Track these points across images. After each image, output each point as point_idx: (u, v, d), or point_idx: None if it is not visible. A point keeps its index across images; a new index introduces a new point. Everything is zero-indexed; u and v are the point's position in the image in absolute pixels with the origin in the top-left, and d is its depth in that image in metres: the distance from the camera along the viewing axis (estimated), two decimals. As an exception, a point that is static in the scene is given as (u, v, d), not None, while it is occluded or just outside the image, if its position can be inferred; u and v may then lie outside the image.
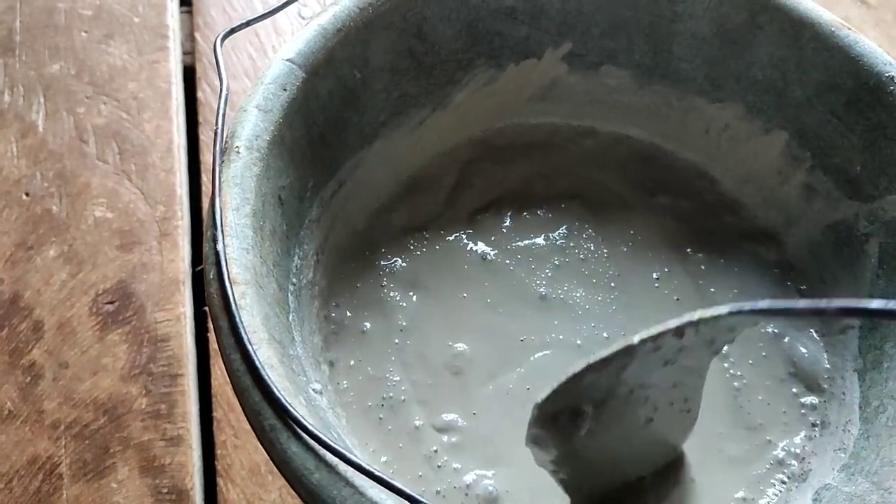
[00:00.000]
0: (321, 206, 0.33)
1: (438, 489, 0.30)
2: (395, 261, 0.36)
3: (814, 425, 0.33)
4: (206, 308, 0.42)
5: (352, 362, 0.33)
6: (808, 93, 0.34)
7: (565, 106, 0.39)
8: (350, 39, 0.32)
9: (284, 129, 0.30)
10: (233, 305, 0.25)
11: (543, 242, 0.37)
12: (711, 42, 0.35)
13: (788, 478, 0.32)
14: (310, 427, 0.23)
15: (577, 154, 0.40)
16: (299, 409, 0.24)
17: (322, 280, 0.34)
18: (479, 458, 0.31)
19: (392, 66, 0.34)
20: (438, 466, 0.31)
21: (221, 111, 0.28)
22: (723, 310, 0.23)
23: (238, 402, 0.39)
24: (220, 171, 0.28)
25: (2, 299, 0.41)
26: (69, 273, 0.42)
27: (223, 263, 0.26)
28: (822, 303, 0.21)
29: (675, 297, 0.36)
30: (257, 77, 0.48)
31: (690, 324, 0.24)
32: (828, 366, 0.34)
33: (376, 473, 0.23)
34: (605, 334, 0.35)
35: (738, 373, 0.34)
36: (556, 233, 0.38)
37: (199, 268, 0.44)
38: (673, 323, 0.24)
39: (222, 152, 0.28)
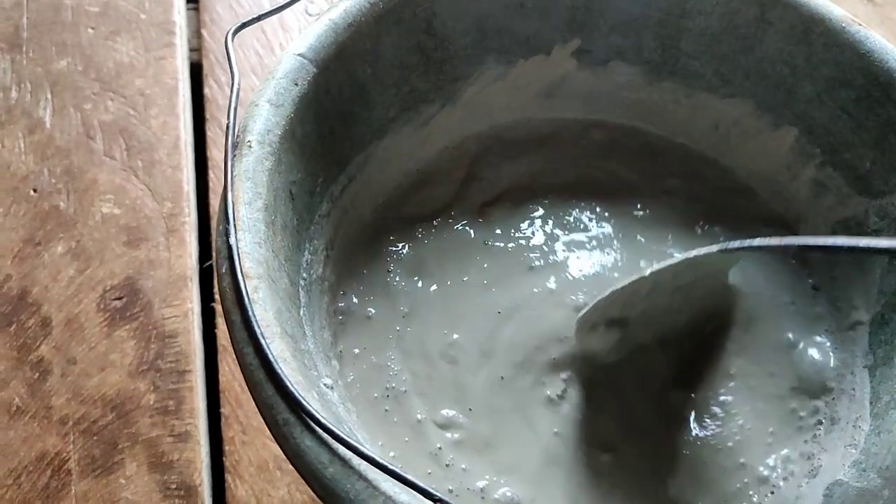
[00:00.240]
0: (331, 201, 0.33)
1: (451, 488, 0.30)
2: (403, 247, 0.36)
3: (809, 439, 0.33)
4: (214, 304, 0.42)
5: (356, 350, 0.33)
6: (818, 89, 0.34)
7: (574, 102, 0.39)
8: (360, 34, 0.32)
9: (296, 124, 0.30)
10: (245, 299, 0.25)
11: (551, 227, 0.37)
12: (721, 38, 0.35)
13: (799, 472, 0.32)
14: (323, 421, 0.23)
15: (586, 147, 0.40)
16: (312, 403, 0.24)
17: (332, 275, 0.34)
18: (487, 461, 0.31)
19: (402, 61, 0.34)
20: (447, 465, 0.31)
21: (233, 105, 0.28)
22: (713, 248, 0.29)
23: (248, 398, 0.39)
24: (232, 166, 0.27)
25: (10, 295, 0.41)
26: (77, 269, 0.42)
27: (236, 257, 0.26)
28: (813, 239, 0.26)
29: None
30: (264, 73, 0.49)
31: (689, 259, 0.29)
32: (832, 385, 0.34)
33: (390, 467, 0.23)
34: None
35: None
36: (565, 218, 0.38)
37: (207, 264, 0.44)
38: (672, 260, 0.30)
39: (234, 147, 0.28)
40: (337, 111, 0.32)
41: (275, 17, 0.47)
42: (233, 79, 0.29)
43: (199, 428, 0.39)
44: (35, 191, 0.44)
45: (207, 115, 0.48)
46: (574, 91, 0.38)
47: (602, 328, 0.33)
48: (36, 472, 0.37)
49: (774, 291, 0.36)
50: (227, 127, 0.28)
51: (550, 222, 0.37)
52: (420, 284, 0.35)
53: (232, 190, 0.27)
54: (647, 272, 0.30)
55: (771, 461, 0.32)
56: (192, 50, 0.50)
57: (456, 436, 0.32)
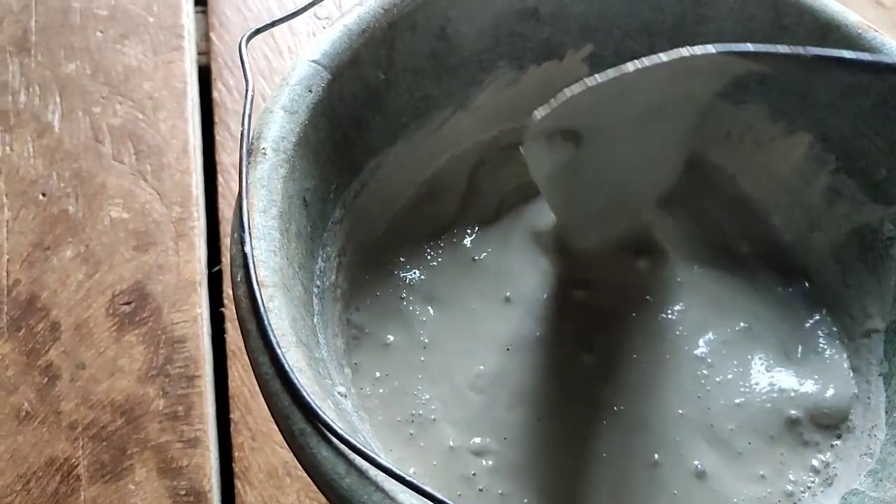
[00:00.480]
0: (344, 208, 0.33)
1: None
2: (413, 272, 0.36)
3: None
4: (223, 309, 0.42)
5: (377, 374, 0.33)
6: (833, 95, 0.34)
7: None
8: (374, 40, 0.32)
9: (310, 131, 0.30)
10: (261, 308, 0.25)
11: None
12: (735, 44, 0.35)
13: (813, 483, 0.31)
14: (340, 431, 0.23)
15: None
16: (328, 412, 0.24)
17: (344, 283, 0.34)
18: (526, 485, 0.31)
19: (415, 67, 0.34)
20: (480, 490, 0.31)
21: (247, 112, 0.28)
22: (710, 48, 0.27)
23: (257, 403, 0.39)
24: (247, 173, 0.27)
25: (19, 300, 0.41)
26: (86, 274, 0.42)
27: (251, 266, 0.25)
28: (801, 49, 0.26)
29: (681, 305, 0.36)
30: (273, 77, 0.49)
31: (682, 59, 0.27)
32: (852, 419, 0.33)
33: (407, 478, 0.23)
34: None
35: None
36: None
37: (216, 269, 0.43)
38: (665, 56, 0.27)
39: (248, 154, 0.28)
40: (351, 117, 0.32)
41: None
42: (247, 85, 0.29)
43: (208, 434, 0.38)
44: (44, 195, 0.44)
45: (216, 119, 0.47)
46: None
47: (557, 138, 0.30)
48: (45, 478, 0.37)
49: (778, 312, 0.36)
50: (242, 134, 0.28)
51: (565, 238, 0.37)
52: (433, 313, 0.35)
53: (247, 198, 0.27)
54: (629, 68, 0.28)
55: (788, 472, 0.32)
56: (200, 53, 0.50)
57: (491, 462, 0.31)
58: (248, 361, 0.40)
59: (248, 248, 0.26)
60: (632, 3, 0.36)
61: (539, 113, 0.29)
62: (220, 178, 0.46)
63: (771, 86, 0.36)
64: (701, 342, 0.34)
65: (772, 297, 0.36)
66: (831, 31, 0.33)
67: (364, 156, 0.34)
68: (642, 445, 0.32)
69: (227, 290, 0.43)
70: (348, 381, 0.32)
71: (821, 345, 0.35)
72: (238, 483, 0.38)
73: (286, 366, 0.24)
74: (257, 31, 0.30)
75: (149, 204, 0.44)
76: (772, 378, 0.34)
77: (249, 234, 0.26)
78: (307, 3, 0.32)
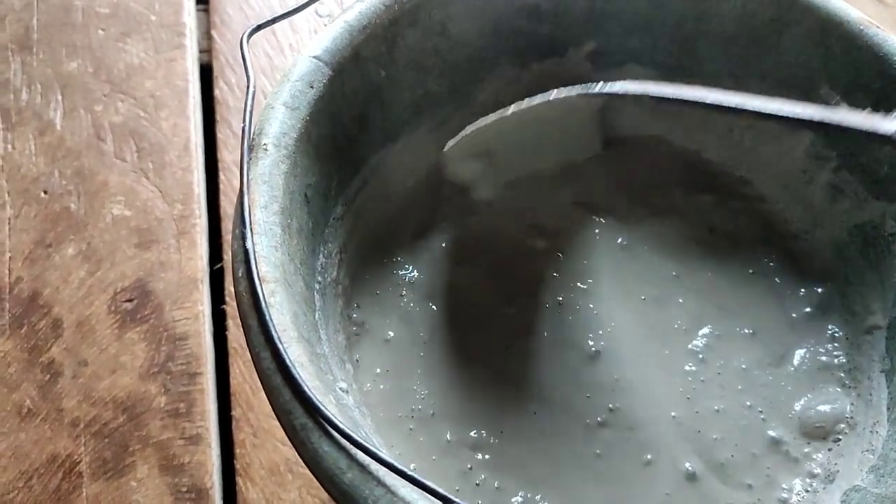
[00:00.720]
0: (345, 204, 0.33)
1: (480, 503, 0.30)
2: (413, 269, 0.36)
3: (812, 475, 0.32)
4: (225, 306, 0.42)
5: (377, 370, 0.33)
6: (835, 92, 0.34)
7: (588, 105, 0.38)
8: (376, 37, 0.32)
9: (311, 127, 0.30)
10: (263, 304, 0.25)
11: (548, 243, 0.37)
12: (737, 40, 0.35)
13: (815, 479, 0.31)
14: (341, 426, 0.23)
15: (596, 155, 0.39)
16: (330, 408, 0.24)
17: (345, 279, 0.34)
18: (522, 478, 0.31)
19: (416, 63, 0.34)
20: (476, 484, 0.31)
21: (249, 108, 0.28)
22: (572, 91, 0.31)
23: (259, 400, 0.39)
24: (248, 169, 0.27)
25: (21, 297, 0.41)
26: (87, 271, 0.42)
27: (252, 261, 0.25)
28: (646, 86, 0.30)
29: (679, 300, 0.36)
30: (275, 74, 0.49)
31: (547, 102, 0.32)
32: (849, 416, 0.33)
33: (409, 473, 0.23)
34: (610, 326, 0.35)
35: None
36: (569, 228, 0.37)
37: (217, 266, 0.43)
38: (534, 100, 0.32)
39: (250, 149, 0.28)
40: (352, 114, 0.32)
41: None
42: (248, 81, 0.28)
43: (210, 431, 0.39)
44: (46, 192, 0.44)
45: (218, 117, 0.47)
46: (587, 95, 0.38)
47: (469, 159, 0.34)
48: (47, 475, 0.37)
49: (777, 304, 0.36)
50: (243, 130, 0.28)
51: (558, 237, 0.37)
52: (433, 309, 0.35)
53: (248, 193, 0.27)
54: (510, 110, 0.32)
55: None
56: (201, 51, 0.50)
57: (487, 456, 0.31)
58: (249, 358, 0.40)
59: (249, 244, 0.26)
60: (634, 0, 0.36)
61: (448, 145, 0.34)
62: (221, 176, 0.46)
63: (772, 83, 0.35)
64: (697, 335, 0.34)
65: (772, 293, 0.36)
66: (833, 27, 0.33)
67: (365, 152, 0.34)
68: (636, 444, 0.32)
69: (229, 287, 0.43)
70: (349, 377, 0.32)
71: (820, 349, 0.35)
72: (240, 480, 0.38)
73: (288, 361, 0.24)
74: (259, 27, 0.30)
75: (150, 201, 0.44)
76: (757, 387, 0.33)
77: (251, 229, 0.26)
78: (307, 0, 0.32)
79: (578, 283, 0.35)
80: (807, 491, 0.31)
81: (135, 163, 0.45)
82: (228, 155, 0.46)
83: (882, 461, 0.30)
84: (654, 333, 0.34)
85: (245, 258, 0.26)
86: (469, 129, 0.33)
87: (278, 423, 0.38)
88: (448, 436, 0.32)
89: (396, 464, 0.23)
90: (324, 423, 0.24)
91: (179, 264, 0.43)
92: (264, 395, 0.39)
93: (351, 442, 0.23)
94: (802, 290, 0.36)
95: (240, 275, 0.26)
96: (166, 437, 0.38)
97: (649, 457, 0.32)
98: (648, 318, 0.35)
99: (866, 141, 0.27)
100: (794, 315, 0.35)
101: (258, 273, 0.25)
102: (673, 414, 0.33)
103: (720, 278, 0.36)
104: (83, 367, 0.40)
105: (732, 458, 0.32)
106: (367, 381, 0.33)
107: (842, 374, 0.34)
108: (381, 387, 0.33)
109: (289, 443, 0.37)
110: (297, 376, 0.24)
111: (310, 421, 0.24)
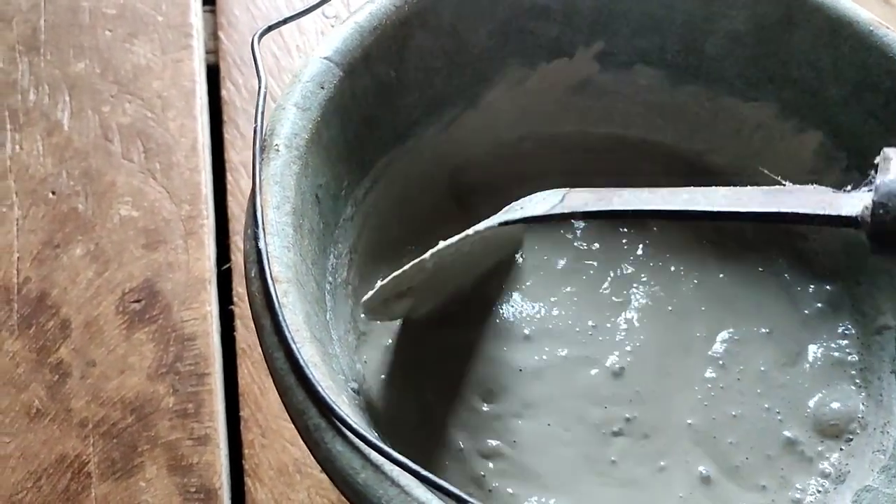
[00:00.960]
0: (355, 205, 0.33)
1: None
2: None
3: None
4: (233, 307, 0.42)
5: (382, 377, 0.33)
6: (844, 92, 0.34)
7: (596, 105, 0.39)
8: (386, 38, 0.32)
9: (322, 128, 0.30)
10: (276, 304, 0.25)
11: (565, 245, 0.37)
12: (746, 41, 0.35)
13: (826, 479, 0.31)
14: (355, 426, 0.23)
15: (602, 156, 0.39)
16: (343, 408, 0.24)
17: (355, 279, 0.34)
18: (535, 485, 0.31)
19: (425, 64, 0.34)
20: (489, 490, 0.31)
21: (260, 109, 0.28)
22: (494, 221, 0.30)
23: (267, 401, 0.39)
24: (260, 169, 0.27)
25: (29, 297, 0.41)
26: (95, 272, 0.42)
27: (265, 261, 0.25)
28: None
29: (702, 307, 0.36)
30: (282, 75, 0.49)
31: (467, 238, 0.30)
32: (861, 415, 0.33)
33: (423, 473, 0.23)
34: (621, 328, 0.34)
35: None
36: (578, 232, 0.37)
37: (225, 266, 0.44)
38: (451, 240, 0.30)
39: (262, 150, 0.28)
40: (362, 114, 0.32)
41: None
42: (259, 82, 0.29)
43: (218, 431, 0.39)
44: (53, 193, 0.44)
45: (225, 118, 0.47)
46: (596, 94, 0.38)
47: (391, 301, 0.32)
48: (56, 475, 0.37)
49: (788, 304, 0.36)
50: (255, 130, 0.28)
51: (564, 239, 0.37)
52: (446, 315, 0.35)
53: (260, 194, 0.27)
54: (428, 255, 0.29)
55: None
56: (208, 52, 0.50)
57: (501, 465, 0.31)
58: (257, 359, 0.40)
59: (262, 244, 0.26)
60: (642, 0, 0.36)
61: (365, 297, 0.30)
62: (229, 177, 0.46)
63: (781, 83, 0.36)
64: (717, 341, 0.35)
65: (783, 292, 0.36)
66: (842, 27, 0.33)
67: (375, 153, 0.34)
68: (651, 451, 0.32)
69: (237, 287, 0.43)
70: (360, 378, 0.32)
71: (832, 345, 0.35)
72: (248, 480, 0.38)
73: (301, 361, 0.24)
74: (270, 28, 0.30)
75: (158, 202, 0.44)
76: (775, 389, 0.34)
77: (263, 230, 0.26)
78: (317, 0, 0.32)
79: (613, 298, 0.36)
80: (818, 491, 0.31)
81: (142, 163, 0.45)
82: (236, 155, 0.46)
83: (893, 461, 0.30)
84: (676, 344, 0.34)
85: (258, 258, 0.26)
86: (384, 284, 0.30)
87: (287, 424, 0.39)
88: (461, 444, 0.32)
89: (410, 464, 0.23)
90: (337, 423, 0.24)
91: (187, 265, 0.43)
92: (273, 396, 0.39)
93: (365, 442, 0.23)
94: (812, 286, 0.36)
95: (252, 275, 0.26)
96: (175, 438, 0.38)
97: (663, 463, 0.32)
98: (673, 329, 0.35)
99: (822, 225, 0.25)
100: (806, 312, 0.35)
101: (271, 273, 0.25)
102: (689, 421, 0.33)
103: (733, 280, 0.36)
104: (91, 367, 0.40)
105: (747, 460, 0.32)
106: (376, 387, 0.33)
107: (854, 373, 0.34)
108: (392, 396, 0.33)
109: (297, 443, 0.38)
110: (310, 376, 0.24)
111: (323, 421, 0.24)
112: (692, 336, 0.35)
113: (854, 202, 0.24)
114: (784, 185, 0.29)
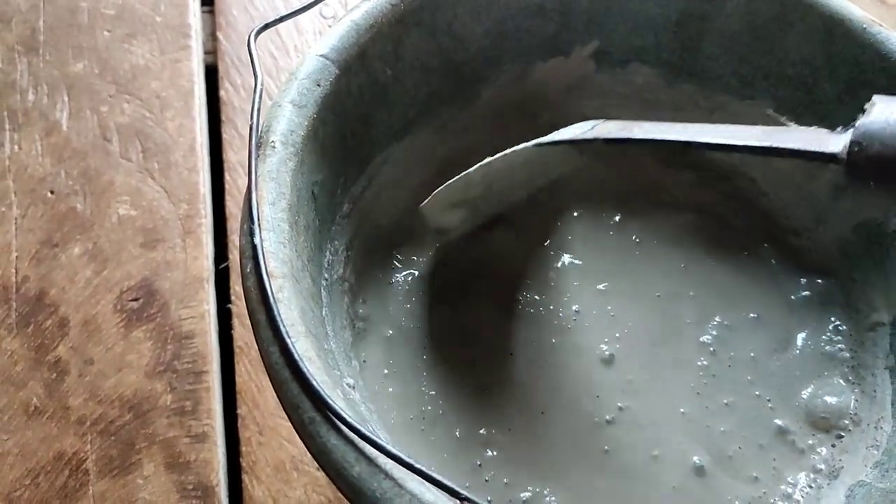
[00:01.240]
0: (351, 202, 0.33)
1: (489, 499, 0.30)
2: (419, 269, 0.36)
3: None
4: (230, 306, 0.42)
5: (385, 371, 0.33)
6: (838, 90, 0.34)
7: (593, 104, 0.39)
8: (382, 36, 0.32)
9: (318, 125, 0.30)
10: (271, 299, 0.25)
11: (565, 242, 0.37)
12: (741, 39, 0.35)
13: (819, 474, 0.31)
14: (349, 420, 0.23)
15: (601, 154, 0.40)
16: (338, 402, 0.24)
17: (351, 276, 0.34)
18: (530, 473, 0.31)
19: (422, 62, 0.34)
20: (486, 480, 0.31)
21: (257, 106, 0.28)
22: (529, 144, 0.32)
23: (264, 399, 0.39)
24: (256, 166, 0.28)
25: (28, 296, 0.41)
26: (94, 270, 0.42)
27: (261, 257, 0.26)
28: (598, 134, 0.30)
29: (690, 293, 0.36)
30: (279, 75, 0.49)
31: (506, 155, 0.32)
32: (853, 411, 0.33)
33: (416, 466, 0.23)
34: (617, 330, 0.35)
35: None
36: (577, 230, 0.38)
37: (223, 265, 0.44)
38: (499, 154, 0.32)
39: (258, 147, 0.28)
40: (358, 112, 0.32)
41: (289, 19, 0.48)
42: (256, 79, 0.29)
43: (215, 429, 0.39)
44: (52, 193, 0.45)
45: (223, 118, 0.48)
46: (593, 93, 0.38)
47: (446, 211, 0.35)
48: (54, 472, 0.37)
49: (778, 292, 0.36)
50: (251, 127, 0.28)
51: (566, 236, 0.37)
52: (441, 310, 0.35)
53: (256, 190, 0.27)
54: (474, 169, 0.32)
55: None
56: (207, 52, 0.50)
57: (496, 453, 0.32)
58: (254, 357, 0.41)
59: (257, 240, 0.26)
60: (637, -1, 0.36)
61: (423, 204, 0.34)
62: (227, 176, 0.46)
63: (776, 81, 0.36)
64: (707, 328, 0.35)
65: (777, 290, 0.36)
66: (836, 25, 0.33)
67: (371, 151, 0.34)
68: (643, 441, 0.32)
69: (234, 286, 0.43)
70: (356, 374, 0.32)
71: (823, 337, 0.35)
72: (245, 477, 0.38)
73: (296, 355, 0.24)
74: (266, 26, 0.30)
75: (156, 201, 0.44)
76: (766, 377, 0.34)
77: (259, 225, 0.26)
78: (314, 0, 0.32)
79: (597, 286, 0.36)
80: (811, 486, 0.31)
81: (140, 163, 0.46)
82: (234, 155, 0.46)
83: (887, 456, 0.30)
84: (667, 331, 0.35)
85: (253, 254, 0.26)
86: (440, 189, 0.33)
87: (284, 422, 0.39)
88: (458, 433, 0.32)
89: (404, 456, 0.23)
90: (332, 416, 0.24)
91: (185, 264, 0.43)
92: (270, 394, 0.39)
93: (359, 435, 0.23)
94: (803, 279, 0.36)
95: (248, 270, 0.26)
96: (172, 435, 0.38)
97: (656, 452, 0.32)
98: (662, 315, 0.35)
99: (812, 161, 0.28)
100: (792, 297, 0.35)
101: (266, 268, 0.26)
102: (682, 410, 0.33)
103: (722, 267, 0.36)
104: (89, 365, 0.40)
105: (740, 449, 0.32)
106: (375, 381, 0.33)
107: (846, 369, 0.34)
108: (390, 389, 0.33)
109: (294, 441, 0.38)
110: (305, 370, 0.24)
111: (318, 415, 0.24)
112: (682, 322, 0.35)
113: (838, 141, 0.26)
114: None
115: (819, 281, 0.36)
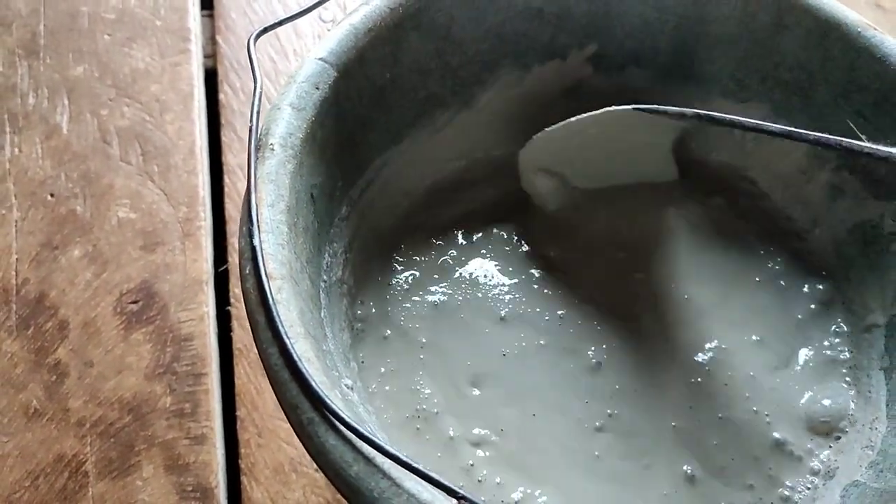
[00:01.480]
0: (350, 205, 0.34)
1: (483, 498, 0.31)
2: (417, 271, 0.36)
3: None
4: (229, 308, 0.42)
5: (382, 370, 0.33)
6: (834, 93, 0.34)
7: (590, 107, 0.39)
8: (380, 39, 0.32)
9: (316, 128, 0.30)
10: (270, 300, 0.25)
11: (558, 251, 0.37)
12: (737, 43, 0.36)
13: (816, 475, 0.32)
14: (348, 420, 0.24)
15: None
16: (336, 402, 0.24)
17: (350, 278, 0.34)
18: (521, 475, 0.31)
19: (420, 66, 0.35)
20: (479, 480, 0.31)
21: (256, 109, 0.28)
22: (628, 107, 0.34)
23: (263, 401, 0.40)
24: (255, 168, 0.28)
25: (28, 299, 0.42)
26: (94, 273, 0.43)
27: (260, 258, 0.26)
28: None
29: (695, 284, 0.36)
30: (278, 78, 0.49)
31: (606, 112, 0.34)
32: (851, 412, 0.33)
33: (413, 465, 0.23)
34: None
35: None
36: (579, 238, 0.38)
37: (222, 268, 0.44)
38: (592, 113, 0.35)
39: (257, 149, 0.28)
40: (356, 115, 0.33)
41: (288, 23, 0.48)
42: (255, 83, 0.29)
43: (215, 430, 0.39)
44: (52, 195, 0.45)
45: (222, 121, 0.48)
46: (590, 97, 0.39)
47: (541, 174, 0.37)
48: (53, 474, 0.37)
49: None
50: (250, 130, 0.28)
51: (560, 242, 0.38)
52: (435, 311, 0.35)
53: (255, 192, 0.27)
54: (558, 125, 0.35)
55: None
56: (206, 56, 0.51)
57: (489, 453, 0.32)
58: (253, 359, 0.41)
59: (256, 242, 0.26)
60: (634, 2, 0.36)
61: (521, 153, 0.37)
62: (226, 179, 0.46)
63: (772, 85, 0.36)
64: (705, 349, 0.34)
65: (778, 298, 0.36)
66: (831, 29, 0.33)
67: (370, 154, 0.34)
68: (634, 449, 0.32)
69: (234, 289, 0.43)
70: (354, 375, 0.32)
71: (825, 343, 0.35)
72: (244, 479, 0.38)
73: (295, 356, 0.24)
74: (266, 30, 0.30)
75: (156, 204, 0.45)
76: (766, 391, 0.33)
77: (258, 227, 0.26)
78: (313, 3, 0.33)
79: (584, 292, 0.36)
80: (808, 488, 0.31)
81: (140, 166, 0.46)
82: (233, 158, 0.47)
83: (881, 456, 0.30)
84: (660, 348, 0.35)
85: (252, 255, 0.26)
86: (538, 136, 0.36)
87: (282, 424, 0.39)
88: (451, 432, 0.32)
89: (401, 456, 0.23)
90: (330, 416, 0.24)
91: (184, 266, 0.43)
92: (268, 396, 0.39)
93: (357, 435, 0.23)
94: (806, 287, 0.36)
95: (247, 271, 0.26)
96: (172, 437, 0.38)
97: (647, 461, 0.32)
98: (654, 332, 0.35)
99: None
100: (799, 316, 0.35)
101: (265, 270, 0.26)
102: (673, 424, 0.33)
103: (728, 290, 0.36)
104: (89, 367, 0.40)
105: (733, 461, 0.32)
106: (373, 381, 0.33)
107: (845, 371, 0.34)
108: (387, 388, 0.33)
109: (293, 442, 0.38)
110: (303, 371, 0.24)
111: (316, 415, 0.24)
112: (676, 344, 0.35)
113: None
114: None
115: (820, 287, 0.36)
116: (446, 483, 0.23)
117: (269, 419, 0.39)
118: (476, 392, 0.33)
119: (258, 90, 0.28)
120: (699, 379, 0.34)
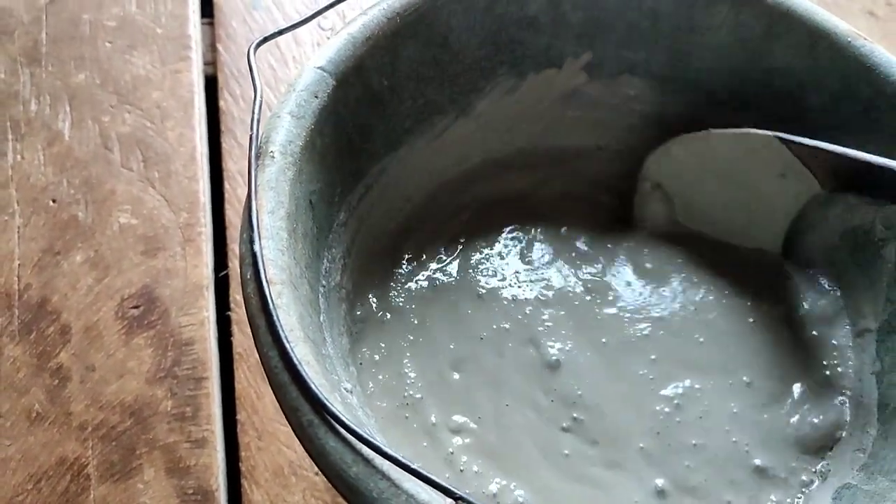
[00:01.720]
0: (349, 211, 0.34)
1: (467, 492, 0.31)
2: (415, 276, 0.37)
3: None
4: (230, 313, 0.43)
5: (377, 357, 0.34)
6: (824, 101, 0.35)
7: (585, 115, 0.39)
8: (378, 48, 0.33)
9: (315, 136, 0.31)
10: (270, 304, 0.26)
11: (555, 253, 0.38)
12: (729, 52, 0.36)
13: (805, 490, 0.32)
14: (347, 422, 0.24)
15: (593, 165, 0.40)
16: (335, 405, 0.25)
17: (348, 283, 0.34)
18: (497, 466, 0.32)
19: (417, 74, 0.35)
20: (461, 470, 0.32)
21: (256, 117, 0.29)
22: (769, 132, 0.34)
23: (263, 404, 0.40)
24: (256, 176, 0.28)
25: (30, 303, 0.42)
26: (95, 278, 0.43)
27: (260, 264, 0.26)
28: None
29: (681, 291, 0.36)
30: (278, 86, 0.50)
31: (740, 132, 0.36)
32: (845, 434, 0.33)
33: (412, 466, 0.23)
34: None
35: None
36: (576, 244, 0.38)
37: (223, 273, 0.44)
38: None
39: (257, 157, 0.29)
40: (355, 123, 0.33)
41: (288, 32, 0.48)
42: (255, 91, 0.29)
43: (215, 434, 0.39)
44: (54, 201, 0.45)
45: (223, 128, 0.48)
46: (585, 104, 0.39)
47: (654, 192, 0.38)
48: (56, 478, 0.38)
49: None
50: (251, 138, 0.29)
51: (555, 248, 0.38)
52: (433, 315, 0.36)
53: (256, 199, 0.28)
54: (702, 132, 0.36)
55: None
56: (206, 64, 0.51)
57: (467, 440, 0.32)
58: (253, 364, 0.41)
59: (257, 247, 0.27)
60: (628, 11, 0.37)
61: (649, 158, 0.38)
62: (226, 185, 0.47)
63: (763, 93, 0.36)
64: (679, 386, 0.34)
65: (765, 292, 0.36)
66: (821, 38, 0.34)
67: (368, 161, 0.35)
68: (601, 458, 0.33)
69: (234, 294, 0.43)
70: (353, 379, 0.32)
71: (814, 346, 0.35)
72: (245, 482, 0.38)
73: (295, 359, 0.25)
74: (266, 39, 0.31)
75: (157, 210, 0.45)
76: (747, 426, 0.33)
77: (258, 233, 0.27)
78: (313, 13, 0.33)
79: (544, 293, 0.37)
80: (802, 492, 0.32)
81: (141, 172, 0.46)
82: (233, 164, 0.47)
83: (872, 459, 0.30)
84: (627, 356, 0.35)
85: (253, 261, 0.26)
86: (673, 141, 0.37)
87: (282, 427, 0.39)
88: (433, 419, 0.33)
89: (400, 457, 0.23)
90: (330, 419, 0.24)
91: (185, 271, 0.43)
92: (268, 400, 0.40)
93: (356, 437, 0.24)
94: (794, 292, 0.36)
95: (248, 277, 0.27)
96: (173, 441, 0.39)
97: (616, 471, 0.32)
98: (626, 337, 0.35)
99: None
100: (786, 316, 0.36)
101: (266, 275, 0.26)
102: (641, 445, 0.33)
103: (722, 330, 0.36)
104: (91, 371, 0.40)
105: (706, 482, 0.32)
106: (370, 380, 0.34)
107: (843, 383, 0.34)
108: (380, 377, 0.34)
109: (293, 446, 0.39)
110: (303, 374, 0.25)
111: (316, 417, 0.24)
112: (637, 373, 0.34)
113: None
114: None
115: (807, 289, 0.36)
116: (444, 483, 0.23)
117: (269, 423, 0.40)
118: (456, 376, 0.34)
119: (258, 99, 0.29)
120: (667, 409, 0.34)
